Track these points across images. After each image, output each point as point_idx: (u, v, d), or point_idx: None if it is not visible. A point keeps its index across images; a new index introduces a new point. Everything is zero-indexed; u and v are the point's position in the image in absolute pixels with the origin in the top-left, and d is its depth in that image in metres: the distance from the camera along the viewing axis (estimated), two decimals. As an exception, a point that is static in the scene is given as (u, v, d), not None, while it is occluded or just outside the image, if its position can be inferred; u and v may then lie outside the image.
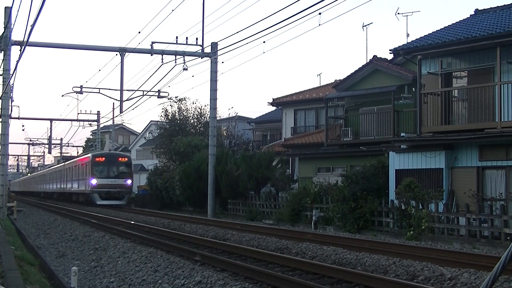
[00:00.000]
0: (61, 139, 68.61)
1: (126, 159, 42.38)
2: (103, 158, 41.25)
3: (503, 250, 12.07)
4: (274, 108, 38.87)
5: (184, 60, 27.67)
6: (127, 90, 30.23)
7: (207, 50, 28.65)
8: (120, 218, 26.06)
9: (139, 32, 51.04)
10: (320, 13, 17.09)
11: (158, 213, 30.71)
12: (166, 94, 32.08)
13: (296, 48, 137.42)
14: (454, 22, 22.71)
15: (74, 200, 47.24)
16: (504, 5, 22.68)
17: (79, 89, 32.83)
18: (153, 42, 27.82)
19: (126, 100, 29.64)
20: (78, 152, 72.51)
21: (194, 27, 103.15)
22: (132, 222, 23.66)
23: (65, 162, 53.70)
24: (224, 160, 29.45)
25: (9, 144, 30.57)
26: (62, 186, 51.85)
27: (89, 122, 54.26)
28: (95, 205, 38.77)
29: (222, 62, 51.69)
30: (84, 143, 77.36)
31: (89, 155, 42.63)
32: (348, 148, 26.37)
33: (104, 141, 64.32)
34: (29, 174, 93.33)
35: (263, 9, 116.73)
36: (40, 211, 36.94)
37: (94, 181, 39.85)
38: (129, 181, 41.02)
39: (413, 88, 22.82)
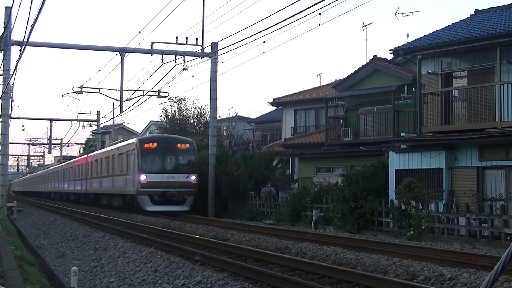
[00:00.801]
0: (61, 139, 68.63)
1: (187, 145, 29.45)
2: (155, 144, 29.01)
3: (503, 250, 12.05)
4: (274, 108, 38.87)
5: (184, 60, 27.67)
6: (127, 90, 30.23)
7: (207, 50, 28.66)
8: (120, 218, 26.05)
9: (139, 32, 51.01)
10: (320, 13, 17.08)
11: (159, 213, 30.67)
12: (166, 94, 32.08)
13: (296, 48, 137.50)
14: (454, 22, 22.72)
15: (105, 205, 35.75)
16: (504, 5, 22.68)
17: (79, 89, 32.82)
18: (153, 42, 27.82)
19: (126, 100, 29.65)
20: (79, 152, 72.06)
21: (194, 27, 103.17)
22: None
23: (89, 153, 43.93)
24: (224, 160, 29.46)
25: (9, 144, 30.58)
26: (85, 186, 41.09)
27: (89, 122, 54.25)
28: (144, 213, 27.67)
29: (222, 62, 51.65)
30: (84, 143, 77.34)
31: (134, 140, 30.78)
32: (348, 148, 26.37)
33: (104, 141, 64.34)
34: (28, 174, 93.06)
35: (263, 9, 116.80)
36: (40, 211, 36.94)
37: (143, 178, 27.85)
38: (193, 177, 28.66)
39: (413, 88, 22.82)
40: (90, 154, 42.20)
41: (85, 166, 41.48)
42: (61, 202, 49.19)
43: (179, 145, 29.29)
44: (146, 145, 28.73)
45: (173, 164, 29.14)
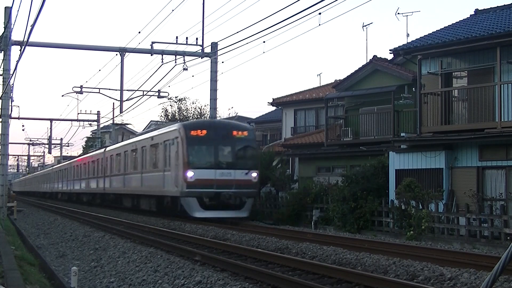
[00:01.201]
0: (61, 139, 68.61)
1: (246, 132, 23.81)
2: (205, 131, 22.87)
3: (503, 250, 12.05)
4: (274, 108, 38.84)
5: (184, 60, 27.66)
6: (127, 90, 30.21)
7: (207, 50, 28.65)
8: (120, 218, 26.05)
9: (139, 32, 50.99)
10: (320, 13, 17.05)
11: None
12: (166, 94, 32.08)
13: (296, 48, 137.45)
14: (454, 22, 22.72)
15: (129, 207, 30.49)
16: (504, 5, 22.68)
17: (79, 89, 32.81)
18: (153, 42, 27.82)
19: (126, 100, 29.64)
20: (83, 151, 71.63)
21: (194, 27, 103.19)
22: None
23: (107, 147, 37.86)
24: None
25: (9, 144, 30.56)
26: (102, 185, 35.85)
27: (89, 122, 54.26)
28: (189, 219, 22.11)
29: (222, 62, 51.66)
30: (84, 143, 77.35)
31: (177, 126, 24.22)
32: (348, 148, 26.36)
33: (104, 141, 64.33)
34: (29, 173, 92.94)
35: (263, 9, 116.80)
36: (40, 211, 36.94)
37: (190, 174, 21.99)
38: (253, 174, 22.88)
39: (413, 88, 22.82)
40: (108, 148, 36.76)
41: (102, 162, 36.17)
42: (70, 203, 44.80)
43: (235, 132, 23.26)
44: (193, 132, 22.66)
45: (228, 156, 23.09)
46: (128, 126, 64.61)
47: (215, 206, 22.13)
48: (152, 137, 26.88)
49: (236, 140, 23.18)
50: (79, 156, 51.89)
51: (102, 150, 37.91)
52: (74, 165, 46.43)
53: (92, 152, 44.88)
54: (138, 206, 29.01)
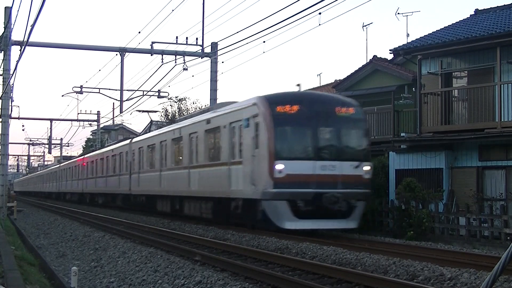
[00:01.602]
0: (61, 139, 68.68)
1: (352, 109, 17.26)
2: (296, 107, 16.57)
3: (503, 250, 12.05)
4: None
5: (184, 60, 27.69)
6: (127, 90, 30.24)
7: (207, 50, 28.67)
8: (120, 218, 26.05)
9: (139, 32, 51.03)
10: (320, 13, 17.04)
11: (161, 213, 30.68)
12: (166, 94, 32.10)
13: (296, 48, 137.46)
14: (454, 22, 22.72)
15: (172, 213, 24.23)
16: (504, 5, 22.68)
17: (79, 89, 32.82)
18: (153, 42, 27.84)
19: (126, 100, 29.65)
20: (83, 151, 71.43)
21: (194, 27, 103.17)
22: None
23: (133, 139, 31.89)
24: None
25: (9, 144, 30.58)
26: (127, 185, 30.12)
27: (89, 122, 54.29)
28: (278, 230, 15.87)
29: (222, 62, 51.65)
30: (85, 143, 77.38)
31: (255, 99, 17.44)
32: (348, 148, 26.30)
33: (104, 141, 64.31)
34: (29, 173, 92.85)
35: (263, 9, 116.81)
36: (40, 211, 36.95)
37: (279, 167, 15.99)
38: (366, 168, 16.91)
39: (413, 88, 22.82)
40: (136, 139, 30.89)
41: (127, 156, 30.82)
42: (79, 205, 40.66)
43: (340, 108, 16.87)
44: (281, 108, 16.31)
45: (332, 142, 16.71)
46: (128, 126, 64.68)
47: (313, 213, 15.85)
48: (208, 120, 20.62)
49: (341, 120, 16.80)
50: (88, 152, 49.46)
51: (127, 141, 32.16)
52: (88, 161, 40.73)
53: (111, 145, 39.18)
54: (181, 211, 23.12)
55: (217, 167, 19.37)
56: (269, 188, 15.95)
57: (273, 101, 16.71)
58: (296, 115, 16.40)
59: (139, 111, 34.70)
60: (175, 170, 23.41)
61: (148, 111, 35.38)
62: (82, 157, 45.71)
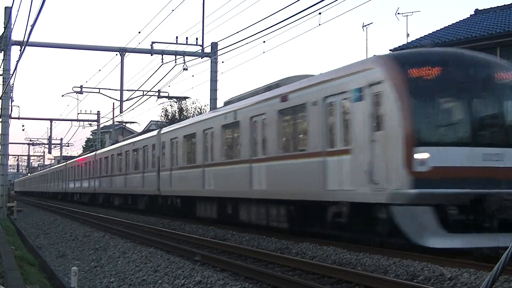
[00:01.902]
0: (61, 139, 68.74)
1: None
2: (439, 69, 11.52)
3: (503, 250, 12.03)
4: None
5: (184, 60, 27.70)
6: (127, 90, 30.26)
7: (207, 50, 28.69)
8: (120, 218, 26.04)
9: (139, 32, 50.92)
10: (320, 13, 17.02)
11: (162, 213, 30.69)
12: (166, 94, 32.10)
13: (296, 48, 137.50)
14: (454, 22, 22.73)
15: (219, 218, 20.12)
16: (504, 5, 22.70)
17: (79, 89, 32.85)
18: (153, 42, 27.85)
19: (126, 100, 29.66)
20: (83, 151, 71.20)
21: (194, 27, 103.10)
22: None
23: (162, 128, 27.15)
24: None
25: (9, 144, 30.59)
26: (156, 185, 25.50)
27: (89, 122, 54.31)
28: (413, 249, 11.56)
29: (222, 62, 51.62)
30: (85, 143, 77.42)
31: (374, 59, 12.71)
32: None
33: (104, 141, 64.30)
34: (29, 173, 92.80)
35: (263, 9, 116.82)
36: (40, 211, 36.95)
37: (421, 157, 10.90)
38: None
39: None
40: (165, 130, 25.90)
41: (155, 150, 26.08)
42: (86, 206, 37.24)
43: (502, 74, 12.08)
44: (416, 72, 11.52)
45: (495, 122, 12.04)
46: (128, 126, 64.69)
47: (470, 223, 11.11)
48: (283, 96, 15.51)
49: (504, 90, 12.09)
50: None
51: (154, 133, 27.29)
52: (101, 158, 36.05)
53: (131, 138, 34.24)
54: (235, 217, 18.73)
55: (301, 160, 14.61)
56: (404, 187, 11.15)
57: (405, 61, 11.95)
58: (441, 82, 11.66)
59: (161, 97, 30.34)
60: (227, 166, 18.86)
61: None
62: (94, 153, 40.83)
